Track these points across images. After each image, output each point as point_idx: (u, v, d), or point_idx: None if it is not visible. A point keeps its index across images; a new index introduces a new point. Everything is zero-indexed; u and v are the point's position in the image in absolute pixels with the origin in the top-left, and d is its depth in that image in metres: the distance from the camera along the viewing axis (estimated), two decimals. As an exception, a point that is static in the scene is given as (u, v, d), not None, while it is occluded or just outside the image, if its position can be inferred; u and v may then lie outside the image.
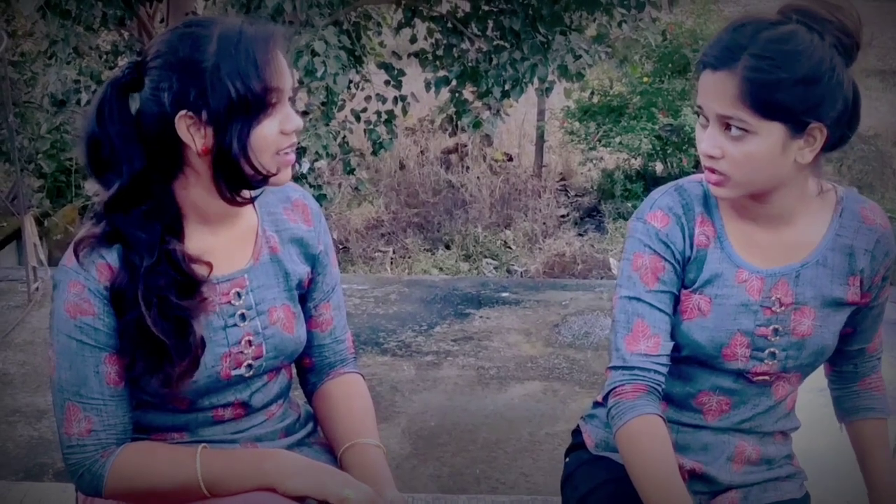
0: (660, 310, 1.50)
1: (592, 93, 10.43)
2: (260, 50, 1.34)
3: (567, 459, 1.78)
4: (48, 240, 7.25)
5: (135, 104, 1.38)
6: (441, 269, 8.48)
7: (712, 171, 1.43)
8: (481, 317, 4.49)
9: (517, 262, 8.79)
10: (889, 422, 1.70)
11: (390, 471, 1.51)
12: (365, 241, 9.31)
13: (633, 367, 1.49)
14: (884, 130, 10.77)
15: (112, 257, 1.38)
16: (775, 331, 1.51)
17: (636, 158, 10.22)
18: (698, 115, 1.44)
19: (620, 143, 9.79)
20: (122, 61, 6.86)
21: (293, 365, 1.66)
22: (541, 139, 11.02)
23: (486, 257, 8.94)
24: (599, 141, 10.21)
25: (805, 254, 1.51)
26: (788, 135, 1.37)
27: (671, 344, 1.51)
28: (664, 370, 1.51)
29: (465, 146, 11.05)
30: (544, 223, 9.51)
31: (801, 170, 1.43)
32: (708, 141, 1.41)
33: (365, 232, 9.55)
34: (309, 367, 1.66)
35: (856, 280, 1.52)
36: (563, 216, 9.91)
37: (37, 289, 4.52)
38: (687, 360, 1.55)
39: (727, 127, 1.38)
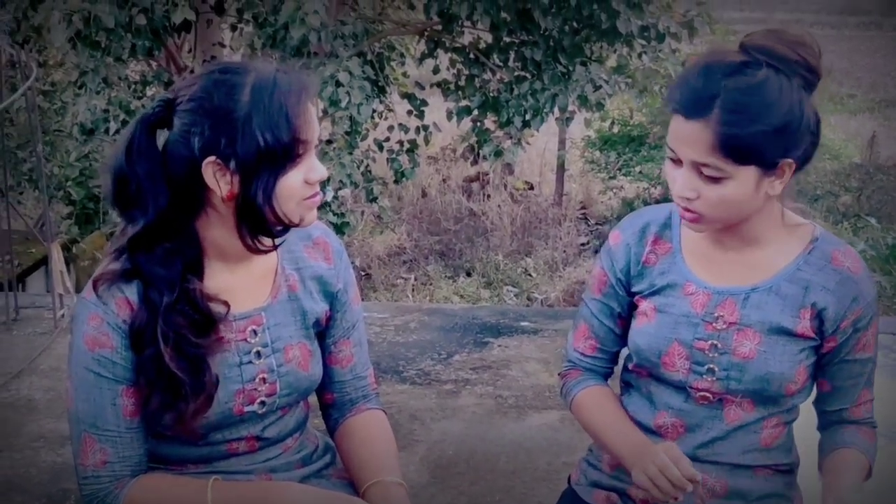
0: (598, 318, 1.64)
1: (613, 123, 10.50)
2: (292, 102, 1.34)
3: None
4: (76, 266, 7.30)
5: (161, 140, 1.39)
6: (462, 296, 8.47)
7: (687, 210, 1.45)
8: (500, 346, 4.46)
9: (538, 290, 8.78)
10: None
11: (410, 501, 1.50)
12: (387, 268, 9.33)
13: (573, 361, 1.69)
14: (903, 160, 10.72)
15: (131, 292, 1.38)
16: (713, 346, 1.51)
17: (656, 187, 10.25)
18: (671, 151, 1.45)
19: (640, 172, 9.85)
20: (151, 91, 6.95)
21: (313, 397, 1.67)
22: (561, 168, 11.06)
23: (506, 285, 8.95)
24: (619, 170, 10.26)
25: (759, 279, 1.50)
26: (761, 174, 1.39)
27: (611, 351, 1.67)
28: (602, 364, 1.68)
29: (487, 175, 11.10)
30: (565, 251, 9.50)
31: (770, 199, 1.45)
32: (682, 184, 1.42)
33: (387, 259, 9.58)
34: (331, 402, 1.65)
35: (807, 313, 1.49)
36: (583, 244, 9.92)
37: (63, 316, 4.54)
38: (642, 374, 1.60)
39: (701, 171, 1.39)
